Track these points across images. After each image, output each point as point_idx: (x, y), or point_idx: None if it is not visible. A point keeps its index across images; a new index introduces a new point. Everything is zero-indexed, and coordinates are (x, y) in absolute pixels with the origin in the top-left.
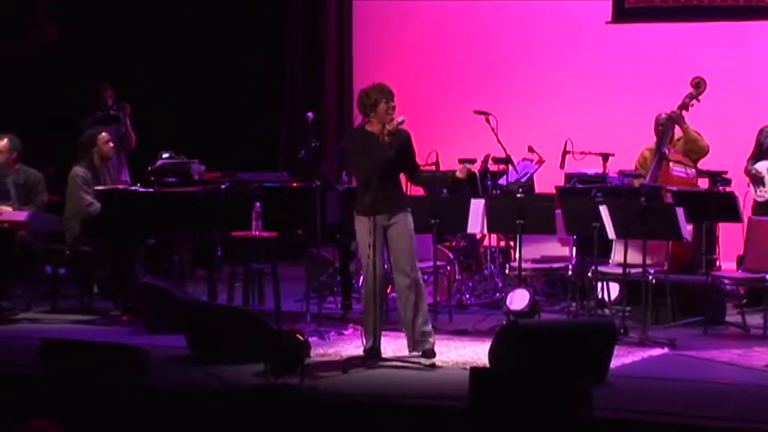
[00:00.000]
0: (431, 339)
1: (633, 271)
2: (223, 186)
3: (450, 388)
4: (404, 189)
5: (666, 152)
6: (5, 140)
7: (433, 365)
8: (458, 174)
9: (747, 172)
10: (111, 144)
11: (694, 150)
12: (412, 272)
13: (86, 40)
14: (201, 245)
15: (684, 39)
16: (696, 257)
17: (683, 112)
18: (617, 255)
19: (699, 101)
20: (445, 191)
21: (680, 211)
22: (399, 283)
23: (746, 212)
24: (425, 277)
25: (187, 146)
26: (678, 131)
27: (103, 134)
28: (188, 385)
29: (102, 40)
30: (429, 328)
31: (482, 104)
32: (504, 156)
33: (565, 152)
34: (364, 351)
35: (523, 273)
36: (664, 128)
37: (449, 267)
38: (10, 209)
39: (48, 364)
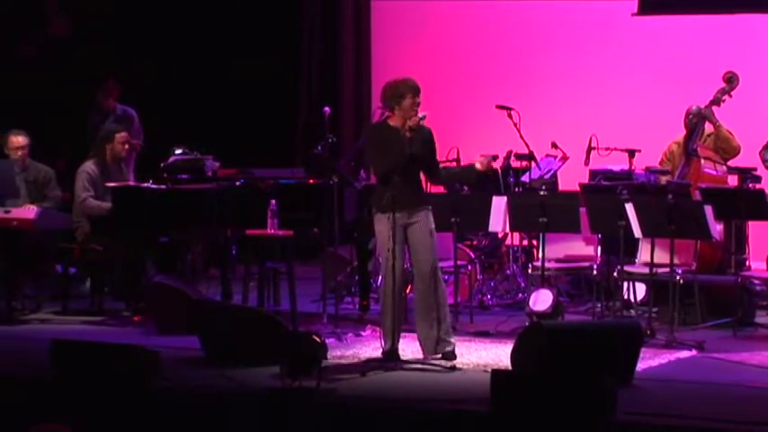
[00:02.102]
0: (451, 341)
1: (660, 271)
2: (238, 183)
3: (471, 391)
4: (424, 187)
5: (696, 148)
6: (22, 136)
7: (453, 368)
8: (477, 166)
9: (764, 161)
10: (127, 146)
11: (726, 150)
12: (432, 271)
13: (99, 36)
14: (215, 243)
15: (713, 31)
16: (725, 257)
17: (714, 108)
18: (643, 254)
19: (731, 96)
20: (465, 187)
21: (708, 210)
22: (419, 282)
23: None
24: (446, 277)
25: (201, 142)
26: (708, 127)
27: (122, 134)
28: (201, 387)
29: (115, 34)
30: (449, 329)
31: (504, 99)
32: (526, 152)
33: (589, 148)
34: (382, 353)
35: (547, 273)
36: (694, 122)
37: (470, 267)
38: (31, 206)
39: (58, 365)
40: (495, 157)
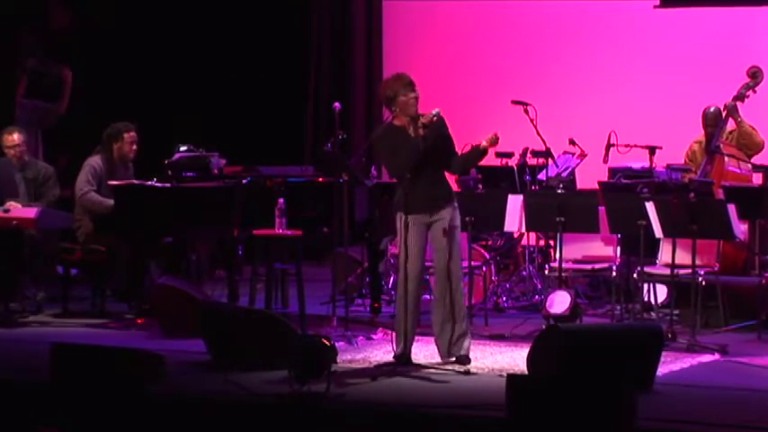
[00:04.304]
0: (465, 344)
1: (682, 272)
2: (244, 181)
3: (486, 396)
4: (448, 182)
5: (719, 145)
6: (16, 133)
7: (467, 372)
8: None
9: None
10: (135, 147)
11: (748, 146)
12: (448, 272)
13: (103, 29)
14: (221, 244)
15: (737, 24)
16: (749, 258)
17: (738, 104)
18: (664, 255)
19: (755, 91)
20: (480, 186)
21: (732, 209)
22: (437, 282)
23: None
24: None
25: (206, 138)
26: (731, 124)
27: (132, 133)
28: (207, 392)
29: (118, 28)
30: (465, 332)
31: (520, 94)
32: (543, 149)
33: (608, 145)
34: (394, 356)
35: (564, 274)
36: (713, 121)
37: (484, 268)
38: (20, 205)
39: (58, 370)
40: (510, 155)
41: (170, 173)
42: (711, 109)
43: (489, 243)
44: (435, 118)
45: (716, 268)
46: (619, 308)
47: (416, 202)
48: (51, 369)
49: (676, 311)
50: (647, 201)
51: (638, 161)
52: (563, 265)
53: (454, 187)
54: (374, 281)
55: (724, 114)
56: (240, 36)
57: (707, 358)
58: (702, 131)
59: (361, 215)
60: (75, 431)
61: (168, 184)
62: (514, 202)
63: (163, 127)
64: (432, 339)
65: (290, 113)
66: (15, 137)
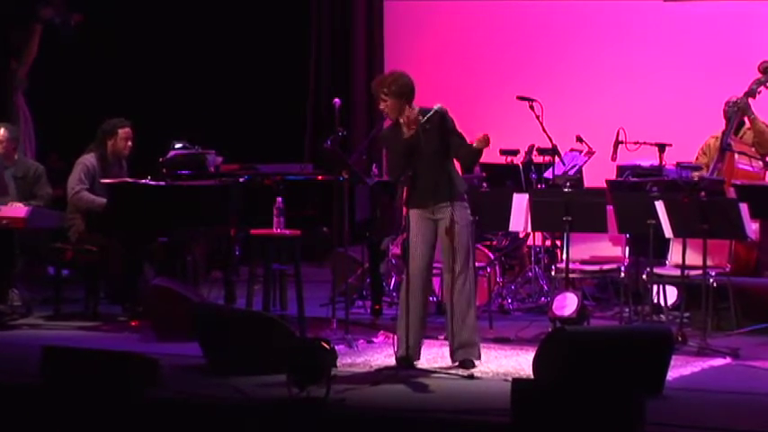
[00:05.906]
0: (470, 349)
1: (692, 273)
2: (242, 179)
3: (491, 401)
4: (456, 179)
5: (730, 143)
6: (3, 129)
7: (471, 376)
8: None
9: None
10: (130, 144)
11: (761, 144)
12: (459, 272)
13: (101, 26)
14: (218, 244)
15: (748, 18)
16: (761, 258)
17: (750, 100)
18: (674, 255)
19: (767, 87)
20: (485, 184)
21: (743, 208)
22: (446, 283)
23: None
24: None
25: (202, 135)
26: (747, 121)
27: (126, 129)
28: (203, 397)
29: (117, 23)
30: (471, 335)
31: (526, 90)
32: (549, 146)
33: (617, 142)
34: (396, 360)
35: (571, 275)
36: (730, 113)
37: (489, 269)
38: (20, 204)
39: (49, 373)
40: (515, 152)
41: (164, 171)
42: (733, 97)
43: (494, 243)
44: (435, 115)
45: (727, 269)
46: (627, 310)
47: (418, 196)
48: (43, 372)
49: (687, 314)
50: (657, 199)
51: (648, 159)
52: (570, 266)
53: None
54: (375, 282)
55: (735, 109)
56: (239, 32)
57: (718, 362)
58: (723, 123)
59: (362, 214)
60: None
61: (163, 182)
62: (520, 201)
63: (157, 123)
64: (433, 342)
65: (289, 111)
66: (2, 132)
